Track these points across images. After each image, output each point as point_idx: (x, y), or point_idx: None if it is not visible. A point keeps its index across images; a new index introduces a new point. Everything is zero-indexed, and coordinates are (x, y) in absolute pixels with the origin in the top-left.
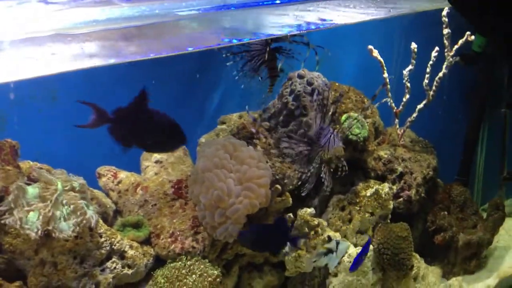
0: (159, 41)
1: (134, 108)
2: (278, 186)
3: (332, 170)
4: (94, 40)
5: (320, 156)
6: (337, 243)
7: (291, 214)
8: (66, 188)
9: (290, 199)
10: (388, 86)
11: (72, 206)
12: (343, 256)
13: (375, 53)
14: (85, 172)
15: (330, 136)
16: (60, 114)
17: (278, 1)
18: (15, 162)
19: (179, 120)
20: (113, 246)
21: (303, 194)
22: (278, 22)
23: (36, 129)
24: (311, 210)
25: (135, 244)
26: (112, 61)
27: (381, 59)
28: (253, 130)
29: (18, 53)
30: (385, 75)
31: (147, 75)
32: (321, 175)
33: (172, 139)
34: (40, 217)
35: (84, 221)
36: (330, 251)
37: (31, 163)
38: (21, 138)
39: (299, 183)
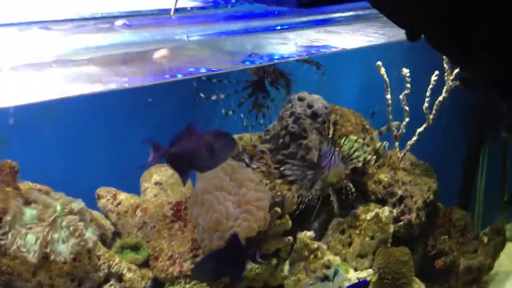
0: (158, 66)
1: (184, 138)
2: (278, 209)
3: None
4: (96, 65)
5: (324, 179)
6: (335, 273)
7: (290, 237)
8: (65, 210)
9: (290, 222)
10: (390, 108)
11: (71, 228)
12: (340, 284)
13: (382, 70)
14: (85, 193)
15: (331, 157)
16: (60, 134)
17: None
18: (15, 183)
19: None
20: (111, 269)
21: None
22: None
23: (36, 149)
24: (310, 233)
25: (133, 266)
26: (113, 86)
27: (387, 79)
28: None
29: (19, 78)
30: (388, 96)
31: (145, 93)
32: (331, 199)
33: (223, 147)
34: (38, 239)
35: (83, 243)
36: (326, 278)
37: (30, 184)
38: (20, 159)
39: (301, 206)
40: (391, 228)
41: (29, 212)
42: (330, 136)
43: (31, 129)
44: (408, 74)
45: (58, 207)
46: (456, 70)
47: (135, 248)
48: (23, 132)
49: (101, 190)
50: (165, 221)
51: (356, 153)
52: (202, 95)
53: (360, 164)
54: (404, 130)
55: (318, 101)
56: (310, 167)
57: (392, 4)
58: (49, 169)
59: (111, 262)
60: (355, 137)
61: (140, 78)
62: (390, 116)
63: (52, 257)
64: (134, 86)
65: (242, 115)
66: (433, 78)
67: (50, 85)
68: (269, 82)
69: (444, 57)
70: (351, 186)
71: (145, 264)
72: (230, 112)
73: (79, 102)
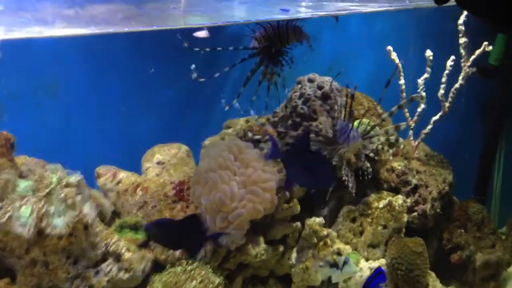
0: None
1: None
2: (286, 192)
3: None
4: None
5: (340, 155)
6: (345, 262)
7: (299, 223)
8: (62, 183)
9: (298, 206)
10: (404, 94)
11: (67, 201)
12: (348, 276)
13: (393, 55)
14: (84, 171)
15: (349, 132)
16: (60, 109)
17: None
18: (10, 155)
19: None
20: (108, 248)
21: None
22: None
23: (34, 123)
24: (320, 220)
25: (132, 246)
26: (111, 30)
27: (399, 63)
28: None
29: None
30: (402, 81)
31: (149, 63)
32: (343, 178)
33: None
34: (34, 212)
35: (80, 217)
36: (336, 265)
37: (27, 158)
38: (18, 132)
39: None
40: (405, 217)
41: (23, 184)
42: (347, 109)
43: (31, 102)
44: (431, 58)
45: (54, 179)
46: (473, 57)
47: (135, 227)
48: (22, 105)
49: (101, 169)
50: (166, 201)
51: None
52: (195, 75)
53: (378, 146)
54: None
55: (329, 83)
56: (327, 143)
57: None
58: (47, 145)
59: (109, 240)
60: (368, 120)
61: None
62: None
63: (47, 231)
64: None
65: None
66: (449, 63)
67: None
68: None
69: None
70: (368, 166)
71: (145, 245)
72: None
73: (80, 76)
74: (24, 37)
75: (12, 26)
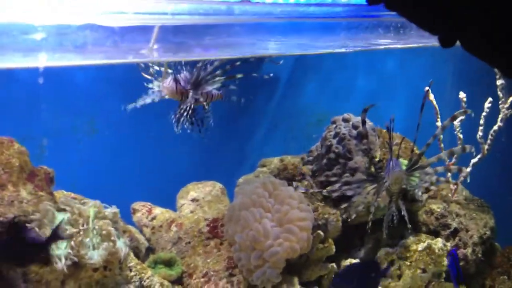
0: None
1: None
2: (320, 232)
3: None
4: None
5: (387, 190)
6: None
7: (334, 264)
8: (99, 216)
9: (333, 246)
10: (441, 136)
11: (103, 233)
12: None
13: (431, 97)
14: (120, 207)
15: (390, 164)
16: (98, 146)
17: None
18: (49, 189)
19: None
20: (142, 282)
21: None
22: None
23: (74, 159)
24: (356, 262)
25: (166, 282)
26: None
27: (436, 106)
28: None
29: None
30: (438, 123)
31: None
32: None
33: None
34: (71, 243)
35: (114, 249)
36: None
37: (65, 192)
38: (58, 168)
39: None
40: (445, 261)
41: (61, 216)
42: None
43: (70, 139)
44: (465, 99)
45: (91, 213)
46: (511, 98)
47: (169, 263)
48: (61, 141)
49: (137, 204)
50: (200, 238)
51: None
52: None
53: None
54: (456, 160)
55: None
56: (369, 179)
57: (423, 12)
58: (85, 181)
59: (143, 275)
60: (405, 161)
61: None
62: (442, 145)
63: (82, 262)
64: None
65: None
66: (487, 105)
67: None
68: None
69: (498, 83)
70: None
71: (178, 281)
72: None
73: (118, 114)
74: (64, 65)
75: (53, 53)
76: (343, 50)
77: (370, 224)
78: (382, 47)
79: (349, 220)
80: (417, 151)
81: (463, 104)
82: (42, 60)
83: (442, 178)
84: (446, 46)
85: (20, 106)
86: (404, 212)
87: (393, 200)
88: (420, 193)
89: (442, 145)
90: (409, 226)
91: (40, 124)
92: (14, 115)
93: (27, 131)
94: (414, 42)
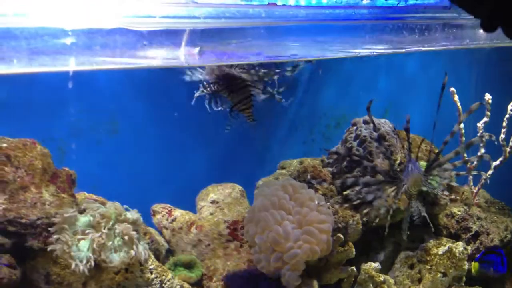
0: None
1: None
2: (340, 235)
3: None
4: None
5: (407, 193)
6: None
7: (354, 268)
8: (120, 219)
9: (353, 249)
10: (463, 138)
11: (124, 237)
12: None
13: (456, 97)
14: (140, 208)
15: (409, 166)
16: (119, 147)
17: None
18: (71, 191)
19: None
20: (163, 285)
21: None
22: None
23: (95, 161)
24: (376, 265)
25: (186, 285)
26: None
27: (460, 107)
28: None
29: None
30: (461, 125)
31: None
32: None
33: None
34: (93, 245)
35: (135, 253)
36: None
37: (86, 194)
38: (78, 169)
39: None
40: (466, 265)
41: (83, 219)
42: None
43: (91, 140)
44: (490, 101)
45: (113, 215)
46: None
47: (189, 266)
48: (82, 142)
49: (157, 206)
50: (220, 240)
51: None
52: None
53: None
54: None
55: (385, 125)
56: (388, 181)
57: None
58: (106, 182)
59: (163, 277)
60: (424, 163)
61: None
62: (463, 145)
63: (104, 265)
64: None
65: None
66: (510, 107)
67: None
68: None
69: None
70: (423, 210)
71: (198, 284)
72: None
73: (139, 113)
74: (93, 69)
75: (82, 57)
76: (368, 53)
77: (387, 227)
78: (406, 50)
79: (373, 223)
80: (435, 151)
81: (488, 106)
82: (71, 65)
83: (461, 172)
84: (488, 31)
85: (41, 108)
86: (424, 213)
87: (412, 202)
88: (440, 193)
89: (463, 145)
90: (430, 225)
91: (61, 125)
92: (35, 117)
93: (48, 133)
94: (439, 45)
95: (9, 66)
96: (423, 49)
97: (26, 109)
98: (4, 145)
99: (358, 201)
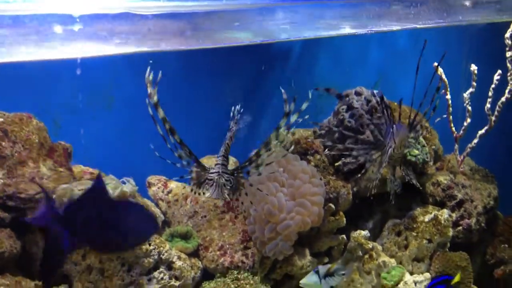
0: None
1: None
2: (332, 205)
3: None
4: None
5: (392, 157)
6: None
7: (344, 236)
8: (117, 191)
9: (344, 219)
10: (450, 109)
11: None
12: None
13: (440, 71)
14: (135, 180)
15: (392, 129)
16: (114, 121)
17: None
18: (68, 165)
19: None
20: (161, 256)
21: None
22: None
23: (90, 135)
24: (365, 233)
25: (183, 255)
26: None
27: (446, 80)
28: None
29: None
30: (448, 96)
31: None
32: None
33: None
34: None
35: None
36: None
37: (82, 167)
38: (73, 143)
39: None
40: (450, 232)
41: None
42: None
43: (87, 115)
44: (475, 72)
45: (110, 188)
46: None
47: (185, 237)
48: (78, 117)
49: (152, 178)
50: (216, 211)
51: (415, 151)
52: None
53: (419, 162)
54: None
55: (377, 96)
56: (374, 147)
57: None
58: (101, 155)
59: (161, 248)
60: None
61: None
62: (451, 117)
63: None
64: None
65: None
66: (496, 77)
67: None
68: None
69: (507, 55)
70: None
71: (195, 254)
72: None
73: (135, 89)
74: (99, 55)
75: (89, 42)
76: (365, 31)
77: (372, 192)
78: (398, 28)
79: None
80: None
81: (474, 76)
82: (78, 51)
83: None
84: None
85: (36, 81)
86: (411, 177)
87: (397, 166)
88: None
89: (450, 117)
90: (420, 188)
91: (56, 99)
92: (30, 90)
93: (44, 106)
94: (431, 22)
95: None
96: (418, 26)
97: (21, 81)
98: (1, 119)
99: (349, 167)
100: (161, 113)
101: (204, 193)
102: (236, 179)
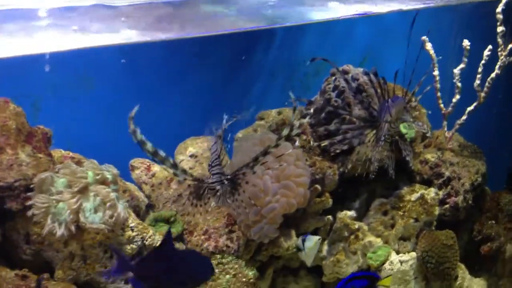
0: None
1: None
2: (318, 186)
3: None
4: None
5: (388, 130)
6: (303, 240)
7: (330, 217)
8: (98, 178)
9: (330, 200)
10: (438, 85)
11: (103, 196)
12: (314, 252)
13: (428, 46)
14: (118, 163)
15: (387, 104)
16: (95, 103)
17: None
18: (47, 150)
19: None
20: (144, 241)
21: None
22: None
23: (70, 117)
24: (351, 213)
25: None
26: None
27: (434, 55)
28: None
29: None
30: (436, 72)
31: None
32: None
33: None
34: (71, 207)
35: (115, 213)
36: (298, 248)
37: (63, 152)
38: (54, 126)
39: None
40: (437, 211)
41: (61, 180)
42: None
43: (67, 96)
44: (468, 47)
45: (90, 175)
46: (511, 45)
47: (169, 221)
48: (58, 99)
49: (135, 161)
50: None
51: (403, 130)
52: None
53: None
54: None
55: (363, 75)
56: (368, 125)
57: None
58: (82, 138)
59: (144, 234)
60: None
61: None
62: (439, 94)
63: (83, 226)
64: None
65: None
66: (486, 53)
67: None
68: None
69: (498, 30)
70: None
71: (179, 238)
72: None
73: (115, 72)
74: (72, 48)
75: (59, 35)
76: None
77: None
78: (388, 9)
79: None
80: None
81: (466, 52)
82: (48, 45)
83: None
84: None
85: (13, 64)
86: (407, 152)
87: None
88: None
89: (439, 93)
90: (412, 163)
91: (34, 81)
92: (6, 73)
93: (21, 89)
94: (422, 3)
95: None
96: (406, 8)
97: None
98: None
99: (341, 148)
100: (149, 148)
101: (205, 204)
102: (235, 182)
